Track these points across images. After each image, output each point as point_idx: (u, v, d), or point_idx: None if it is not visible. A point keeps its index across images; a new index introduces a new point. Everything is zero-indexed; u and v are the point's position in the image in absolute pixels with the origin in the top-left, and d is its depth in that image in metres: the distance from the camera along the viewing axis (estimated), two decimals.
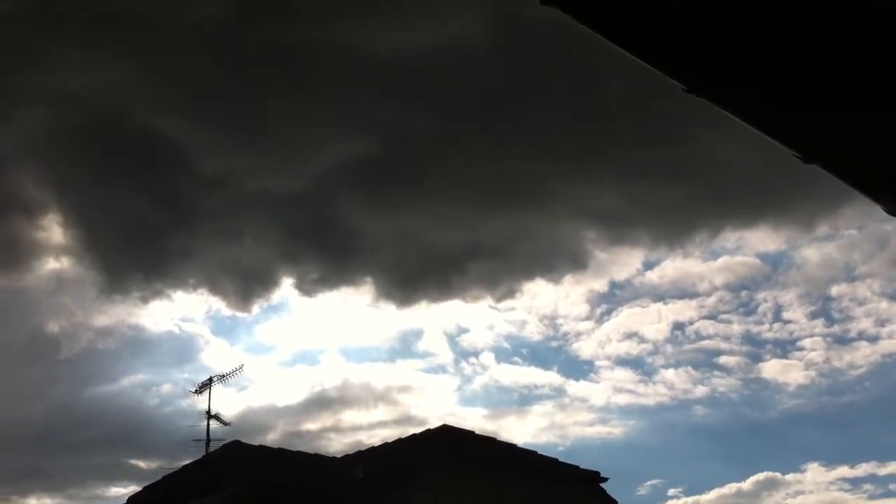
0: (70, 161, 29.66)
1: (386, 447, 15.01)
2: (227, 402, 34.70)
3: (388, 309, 36.93)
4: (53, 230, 31.06)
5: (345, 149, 28.80)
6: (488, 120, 27.97)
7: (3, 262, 32.88)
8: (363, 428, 31.58)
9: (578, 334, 35.38)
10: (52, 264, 32.51)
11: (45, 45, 26.09)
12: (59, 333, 34.56)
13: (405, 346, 37.91)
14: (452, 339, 36.07)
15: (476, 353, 36.03)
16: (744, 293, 35.48)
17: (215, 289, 33.67)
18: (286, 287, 32.34)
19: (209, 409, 18.88)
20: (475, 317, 37.06)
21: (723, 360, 35.11)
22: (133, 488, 18.69)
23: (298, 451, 16.05)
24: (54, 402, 34.04)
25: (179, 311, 38.99)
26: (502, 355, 37.29)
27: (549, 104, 26.96)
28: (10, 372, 34.90)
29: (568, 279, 33.39)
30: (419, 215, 30.96)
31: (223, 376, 19.46)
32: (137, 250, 31.40)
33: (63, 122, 28.43)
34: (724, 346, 34.93)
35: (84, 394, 35.01)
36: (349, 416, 32.29)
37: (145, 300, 33.53)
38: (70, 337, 34.45)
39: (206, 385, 19.22)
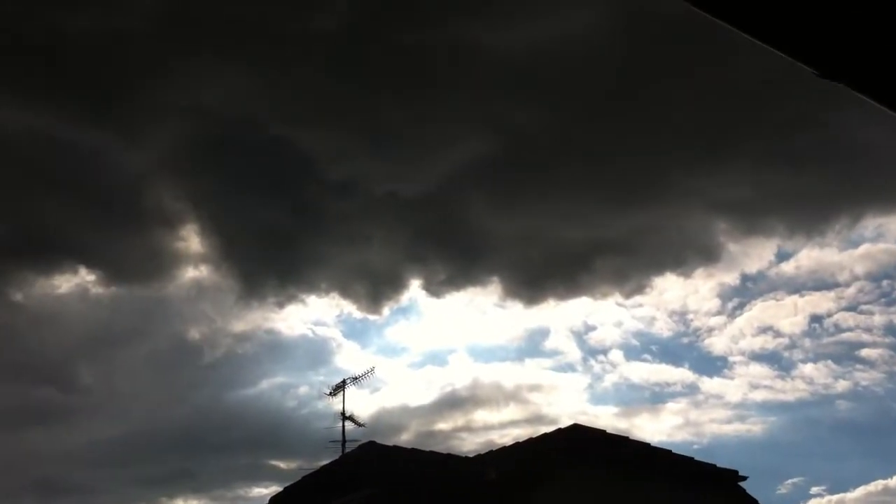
0: (205, 172, 30.94)
1: (518, 447, 15.00)
2: (361, 404, 35.39)
3: (516, 308, 37.00)
4: (192, 240, 32.43)
5: (469, 149, 28.99)
6: (613, 114, 27.64)
7: (147, 272, 34.53)
8: (495, 427, 31.69)
9: (710, 330, 34.56)
10: (191, 273, 33.96)
11: (179, 59, 27.26)
12: (200, 340, 36.05)
13: (533, 345, 37.85)
14: (580, 337, 35.83)
15: (604, 351, 35.69)
16: (885, 282, 33.95)
17: (346, 292, 34.47)
18: (414, 289, 32.81)
19: (343, 410, 19.35)
20: (602, 314, 36.68)
21: (865, 352, 33.69)
22: (275, 488, 19.32)
23: (431, 451, 16.23)
24: (198, 406, 35.52)
25: (312, 315, 40.05)
26: (631, 353, 36.79)
27: (675, 95, 26.45)
28: (156, 378, 36.61)
29: (699, 273, 32.66)
30: (545, 212, 30.86)
31: (356, 378, 19.90)
32: (272, 257, 32.49)
33: (197, 134, 29.65)
34: (866, 338, 33.52)
35: (226, 397, 36.42)
36: (480, 416, 32.46)
37: (280, 305, 34.66)
38: (211, 343, 35.89)
39: (340, 387, 19.70)
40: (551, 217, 30.93)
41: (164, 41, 26.64)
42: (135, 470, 34.09)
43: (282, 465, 30.66)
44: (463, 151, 29.00)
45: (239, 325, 36.05)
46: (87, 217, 32.04)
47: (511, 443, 15.57)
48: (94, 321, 35.35)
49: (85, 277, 33.84)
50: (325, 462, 17.01)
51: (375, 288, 33.29)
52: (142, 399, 35.77)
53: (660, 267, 32.85)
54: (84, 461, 34.14)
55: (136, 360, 36.05)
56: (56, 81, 27.39)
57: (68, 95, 27.75)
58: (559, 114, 28.34)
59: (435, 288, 32.57)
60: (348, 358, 35.69)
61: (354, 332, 44.10)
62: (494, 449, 15.62)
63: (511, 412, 32.88)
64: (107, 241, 32.73)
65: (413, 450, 16.12)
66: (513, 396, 33.58)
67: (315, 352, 38.12)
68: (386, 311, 34.89)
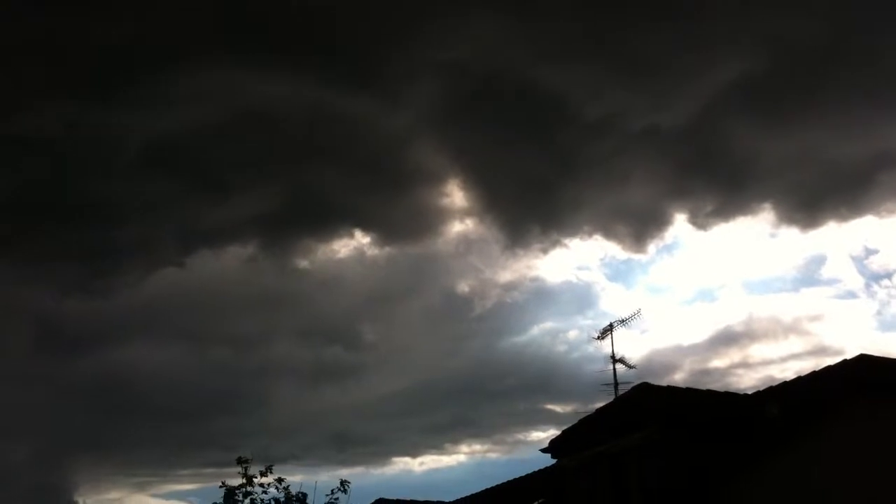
0: (462, 126, 31.74)
1: (800, 381, 14.33)
2: (630, 345, 35.31)
3: (791, 234, 35.15)
4: (455, 195, 33.60)
5: (730, 70, 27.54)
6: (889, 16, 25.17)
7: (416, 230, 36.30)
8: (774, 362, 30.50)
9: None
10: (458, 227, 35.27)
11: (427, 18, 27.85)
12: (470, 292, 37.46)
13: (809, 274, 35.91)
14: (860, 262, 33.48)
15: (889, 275, 33.12)
16: None
17: (609, 233, 34.34)
18: (679, 223, 32.03)
19: (613, 353, 19.45)
20: (884, 236, 34.01)
21: None
22: (552, 432, 19.82)
23: (708, 390, 15.87)
24: (474, 356, 37.06)
25: (575, 260, 40.30)
26: None
27: None
28: (433, 332, 38.57)
29: None
30: (819, 129, 28.83)
31: (623, 321, 19.90)
32: (532, 203, 32.96)
33: (451, 89, 30.35)
34: None
35: (499, 346, 37.73)
36: (757, 351, 31.34)
37: (544, 251, 35.24)
38: (480, 294, 37.21)
39: (608, 330, 19.80)
40: (828, 132, 28.84)
41: (411, 1, 27.21)
42: (419, 419, 36.31)
43: (557, 408, 31.39)
44: (726, 73, 27.60)
45: (505, 275, 37.07)
46: (356, 182, 34.03)
47: (793, 377, 14.92)
48: (371, 281, 37.86)
49: (361, 240, 36.17)
50: (599, 405, 17.17)
51: (639, 226, 32.93)
52: (421, 353, 37.89)
53: None
54: (373, 413, 36.90)
55: (413, 316, 38.19)
56: (318, 53, 28.76)
57: (330, 66, 29.07)
58: (834, 22, 26.14)
59: (701, 221, 31.66)
60: (613, 300, 35.70)
61: (618, 273, 44.12)
62: (775, 384, 15.03)
63: (791, 345, 31.53)
64: (377, 204, 34.72)
65: (688, 389, 15.85)
66: (792, 329, 32.16)
67: (580, 296, 38.58)
68: (651, 248, 34.47)
